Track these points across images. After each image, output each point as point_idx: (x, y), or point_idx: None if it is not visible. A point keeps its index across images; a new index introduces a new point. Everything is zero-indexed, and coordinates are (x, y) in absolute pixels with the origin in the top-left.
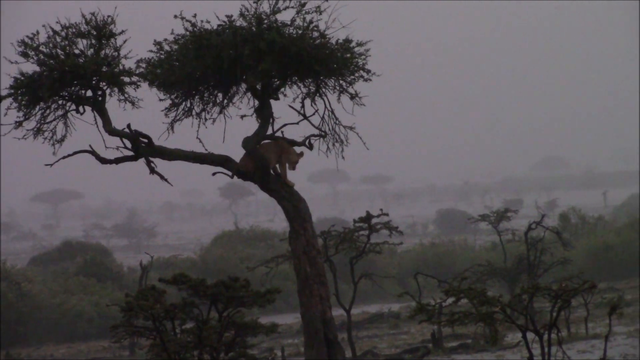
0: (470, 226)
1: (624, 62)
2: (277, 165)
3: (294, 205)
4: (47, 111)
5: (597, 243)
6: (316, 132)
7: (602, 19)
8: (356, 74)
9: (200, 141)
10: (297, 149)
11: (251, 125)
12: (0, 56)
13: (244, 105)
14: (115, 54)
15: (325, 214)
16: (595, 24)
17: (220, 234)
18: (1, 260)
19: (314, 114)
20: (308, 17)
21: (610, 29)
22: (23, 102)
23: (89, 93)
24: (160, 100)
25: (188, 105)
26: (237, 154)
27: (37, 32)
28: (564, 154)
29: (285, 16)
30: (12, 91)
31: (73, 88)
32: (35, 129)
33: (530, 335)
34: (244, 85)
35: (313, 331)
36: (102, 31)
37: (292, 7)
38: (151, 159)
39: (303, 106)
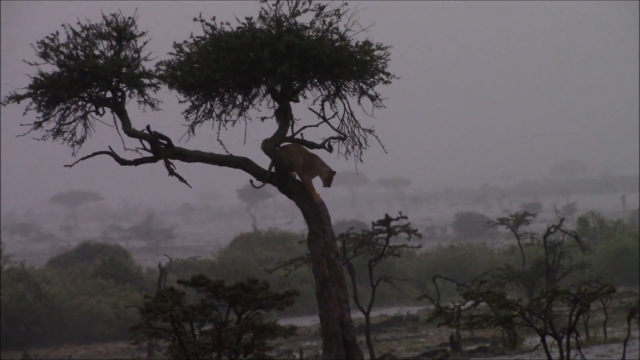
0: (488, 230)
1: None
2: (304, 175)
3: (313, 208)
4: (67, 112)
5: (616, 247)
6: (335, 134)
7: (624, 20)
8: (376, 77)
9: (221, 143)
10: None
11: (271, 127)
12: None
13: (264, 107)
14: (135, 55)
15: (344, 216)
16: (615, 25)
17: (239, 235)
18: (20, 261)
19: (333, 116)
20: (327, 20)
21: (630, 31)
22: (43, 103)
23: (109, 94)
24: (180, 102)
25: (208, 107)
26: (257, 155)
27: (57, 33)
28: (581, 157)
29: (304, 19)
30: (32, 91)
31: (93, 89)
32: (54, 130)
33: (549, 339)
34: (263, 87)
35: (331, 334)
36: (122, 32)
37: (312, 10)
38: (170, 160)
39: (323, 108)
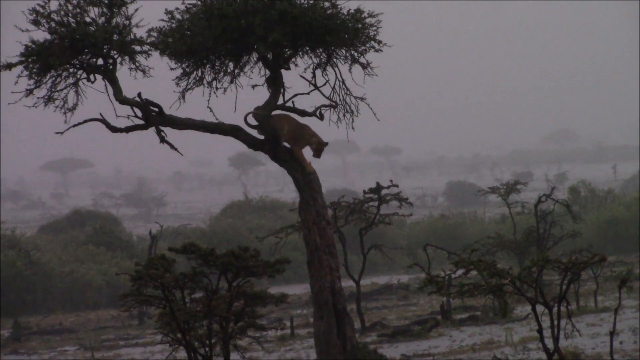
0: (480, 198)
1: (635, 35)
2: (294, 145)
3: (304, 176)
4: (58, 79)
5: (607, 216)
6: (327, 102)
7: None
8: (367, 45)
9: (211, 110)
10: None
11: (262, 95)
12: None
13: (255, 74)
14: (127, 22)
15: (335, 184)
16: None
17: (230, 203)
18: (11, 228)
19: (325, 84)
20: None
21: (624, 2)
22: (34, 70)
23: (100, 61)
24: (172, 69)
25: (199, 74)
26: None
27: (49, 0)
28: (574, 127)
29: None
30: (23, 59)
31: (84, 56)
32: (46, 97)
33: (539, 308)
34: (255, 55)
35: (322, 302)
36: None
37: None
38: (161, 128)
39: (314, 76)
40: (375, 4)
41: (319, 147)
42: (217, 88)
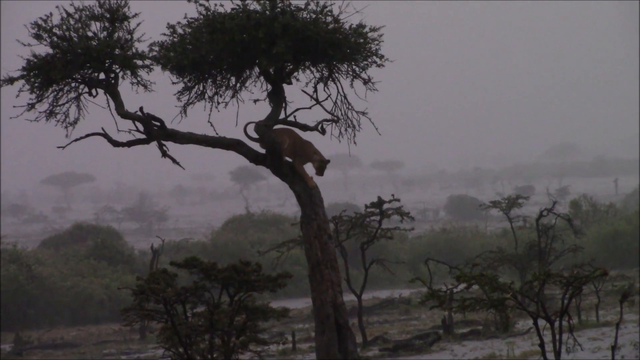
0: (481, 212)
1: (635, 49)
2: (295, 159)
3: (305, 190)
4: (60, 93)
5: (608, 230)
6: (329, 117)
7: (617, 4)
8: (369, 59)
9: (212, 125)
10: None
11: (264, 109)
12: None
13: (256, 89)
14: (129, 36)
15: (337, 199)
16: (607, 7)
17: (231, 218)
18: (12, 242)
19: (326, 98)
20: (322, 2)
21: (621, 14)
22: (36, 84)
23: (102, 76)
24: (173, 83)
25: (201, 88)
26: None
27: (51, 14)
28: (575, 140)
29: (299, 0)
30: (25, 73)
31: (86, 71)
32: (47, 111)
33: (541, 322)
34: (257, 69)
35: (324, 316)
36: (115, 14)
37: None
38: (163, 142)
39: (316, 91)
40: (377, 16)
41: (321, 165)
42: (218, 102)
